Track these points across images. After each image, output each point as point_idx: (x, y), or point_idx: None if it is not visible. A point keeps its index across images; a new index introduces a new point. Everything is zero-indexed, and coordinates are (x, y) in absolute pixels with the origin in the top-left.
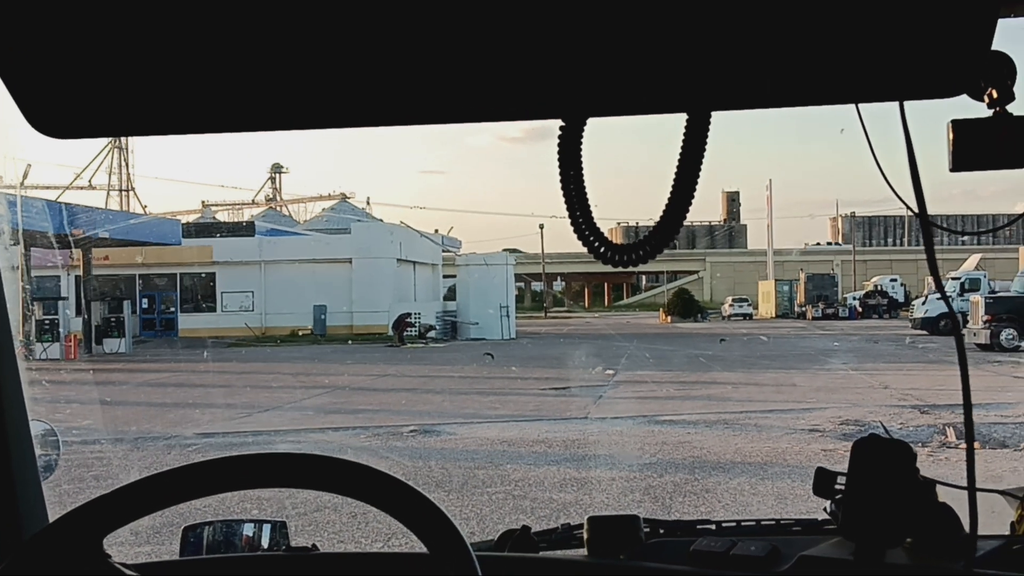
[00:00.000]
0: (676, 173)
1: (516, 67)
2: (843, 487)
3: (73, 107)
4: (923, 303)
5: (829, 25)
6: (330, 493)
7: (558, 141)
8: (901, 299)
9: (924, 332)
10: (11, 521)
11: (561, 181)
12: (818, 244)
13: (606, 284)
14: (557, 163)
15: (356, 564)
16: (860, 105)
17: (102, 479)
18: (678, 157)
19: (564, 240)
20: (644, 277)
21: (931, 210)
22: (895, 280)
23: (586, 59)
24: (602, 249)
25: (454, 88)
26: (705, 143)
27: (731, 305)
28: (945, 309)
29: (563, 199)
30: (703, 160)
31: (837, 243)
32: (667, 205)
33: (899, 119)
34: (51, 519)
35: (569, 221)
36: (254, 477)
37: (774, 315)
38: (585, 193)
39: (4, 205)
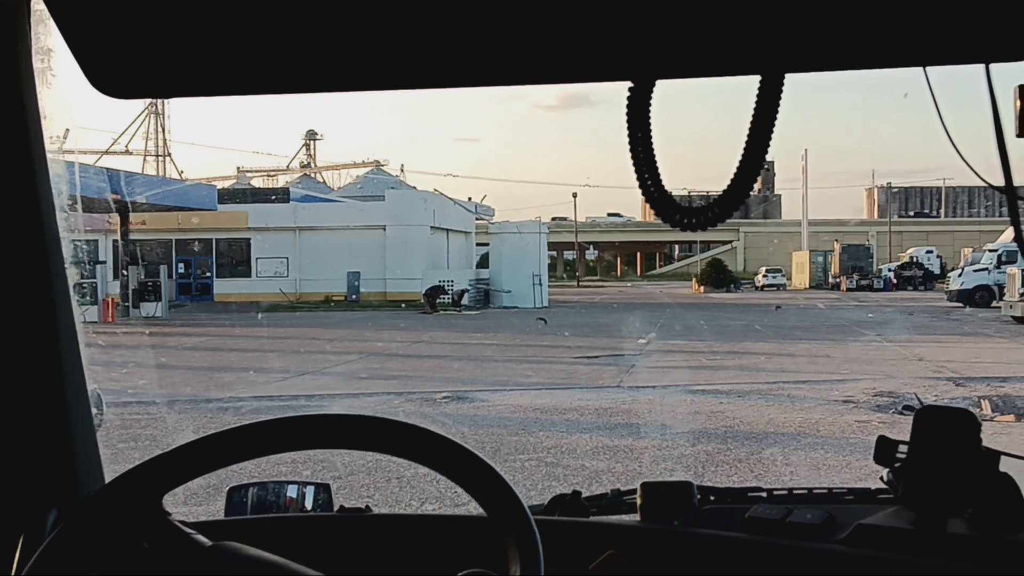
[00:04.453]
0: (748, 137)
1: (585, 27)
2: (904, 456)
3: (132, 68)
4: (959, 275)
5: None
6: (376, 455)
7: (627, 103)
8: (937, 271)
9: (960, 304)
10: (68, 479)
11: (629, 143)
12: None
13: (639, 253)
14: (626, 125)
15: (412, 526)
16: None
17: (156, 440)
18: (750, 120)
19: (597, 208)
20: (677, 247)
21: (973, 181)
22: (931, 252)
23: (657, 18)
24: (671, 211)
25: (523, 49)
26: (778, 106)
27: (764, 276)
28: (981, 281)
29: (631, 161)
30: (775, 124)
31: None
32: (738, 168)
33: (940, 86)
34: (106, 478)
35: (637, 184)
36: (312, 438)
37: (808, 286)
38: (653, 156)
39: (63, 168)
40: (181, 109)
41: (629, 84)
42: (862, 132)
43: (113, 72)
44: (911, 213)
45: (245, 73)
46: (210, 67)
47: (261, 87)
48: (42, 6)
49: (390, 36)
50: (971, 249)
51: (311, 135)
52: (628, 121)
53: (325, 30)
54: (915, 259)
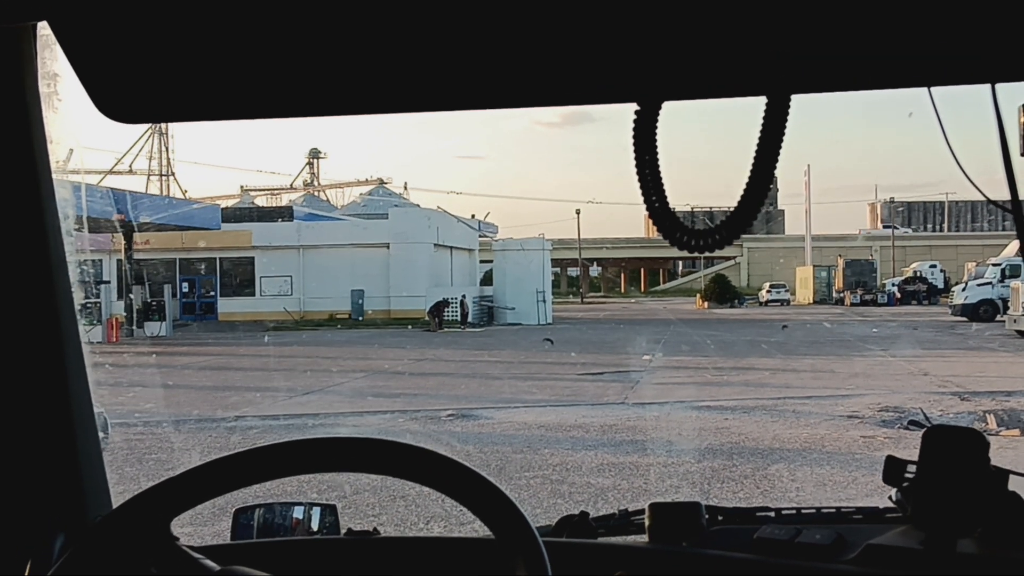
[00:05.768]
0: (755, 157)
1: (592, 50)
2: (912, 475)
3: (138, 93)
4: (963, 289)
5: (913, 4)
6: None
7: (633, 125)
8: (940, 285)
9: (964, 318)
10: (76, 503)
11: (636, 165)
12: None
13: (642, 270)
14: (630, 144)
15: (420, 548)
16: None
17: (162, 462)
18: (757, 141)
19: (601, 225)
20: (680, 263)
21: (976, 195)
22: (934, 266)
23: (663, 40)
24: (678, 234)
25: (530, 71)
26: (784, 127)
27: (768, 291)
28: (985, 295)
29: (638, 182)
30: (782, 145)
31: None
32: (745, 190)
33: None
34: (113, 501)
35: (644, 205)
36: (320, 461)
37: (812, 301)
38: (660, 178)
39: (69, 191)
40: (184, 129)
41: (635, 106)
42: (865, 147)
43: (119, 97)
44: (911, 228)
45: (250, 98)
46: (215, 92)
47: (266, 111)
48: (48, 31)
49: (399, 60)
50: (975, 263)
51: (314, 153)
52: (635, 143)
53: (328, 55)
54: (919, 273)
